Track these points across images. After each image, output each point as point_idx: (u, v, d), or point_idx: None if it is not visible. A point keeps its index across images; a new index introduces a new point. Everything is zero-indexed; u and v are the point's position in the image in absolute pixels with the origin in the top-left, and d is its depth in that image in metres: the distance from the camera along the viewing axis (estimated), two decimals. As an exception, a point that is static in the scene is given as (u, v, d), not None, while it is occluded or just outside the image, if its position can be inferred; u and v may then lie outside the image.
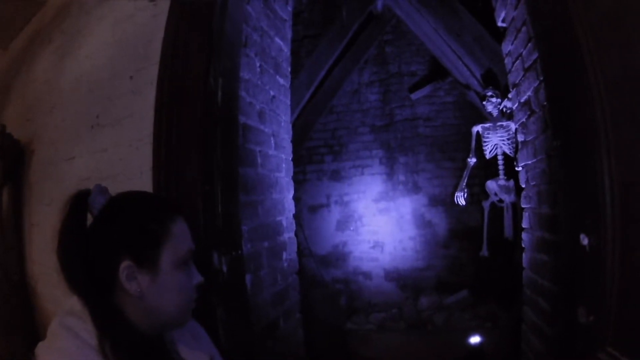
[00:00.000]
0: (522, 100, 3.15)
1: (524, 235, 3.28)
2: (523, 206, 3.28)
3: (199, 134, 2.43)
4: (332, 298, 7.48)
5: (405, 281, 7.62)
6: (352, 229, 7.84)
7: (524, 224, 3.25)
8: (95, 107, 3.00)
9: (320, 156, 7.91)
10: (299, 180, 3.46)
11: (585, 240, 2.13)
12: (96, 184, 1.40)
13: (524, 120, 3.15)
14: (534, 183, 3.02)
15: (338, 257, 7.87)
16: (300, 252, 3.73)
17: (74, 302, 1.30)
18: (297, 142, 3.80)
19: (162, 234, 1.37)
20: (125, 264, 1.30)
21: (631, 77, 1.80)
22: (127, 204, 1.40)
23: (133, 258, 1.31)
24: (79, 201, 1.34)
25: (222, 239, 2.47)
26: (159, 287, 1.35)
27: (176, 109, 2.48)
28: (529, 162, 3.09)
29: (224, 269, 2.42)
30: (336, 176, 7.87)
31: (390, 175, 7.76)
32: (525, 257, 3.25)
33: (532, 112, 2.93)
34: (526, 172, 3.19)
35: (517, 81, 3.22)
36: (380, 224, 7.76)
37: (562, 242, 2.46)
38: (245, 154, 2.88)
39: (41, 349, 1.23)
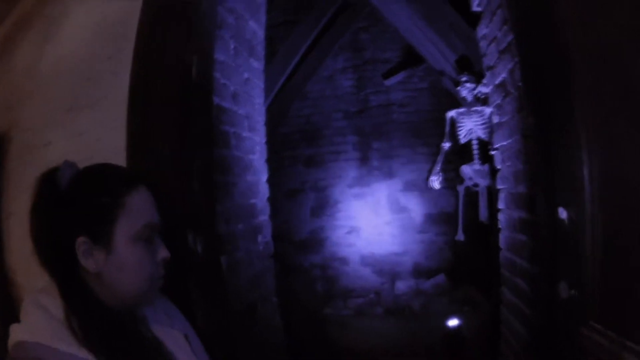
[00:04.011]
0: (497, 82, 3.17)
1: (500, 215, 3.30)
2: (499, 187, 3.30)
3: (174, 112, 2.42)
4: (309, 284, 7.51)
5: (382, 266, 7.64)
6: (328, 214, 7.85)
7: (500, 205, 3.27)
8: (73, 90, 2.96)
9: (294, 142, 7.91)
10: (273, 167, 3.45)
11: (563, 214, 2.15)
12: (65, 159, 1.38)
13: (499, 101, 3.18)
14: (509, 164, 3.04)
15: (314, 242, 7.88)
16: (276, 238, 3.73)
17: (46, 281, 1.31)
18: (271, 127, 3.79)
19: (116, 207, 1.33)
20: (80, 240, 1.28)
21: (608, 52, 1.82)
22: (83, 177, 1.36)
23: (88, 234, 1.29)
24: (47, 179, 1.33)
25: (197, 219, 2.46)
26: (115, 263, 1.32)
27: (151, 86, 2.47)
28: (505, 143, 3.11)
29: (199, 249, 2.40)
30: (311, 162, 7.89)
31: (365, 160, 7.78)
32: (502, 237, 3.28)
33: (507, 93, 2.95)
34: (501, 153, 3.21)
35: (491, 64, 3.24)
36: (356, 209, 7.77)
37: (540, 218, 2.48)
38: (220, 134, 2.88)
39: (13, 327, 1.23)
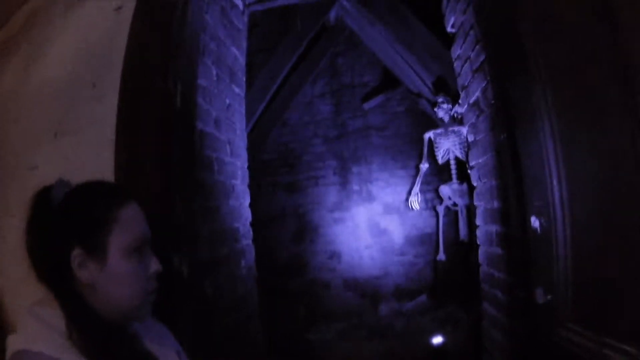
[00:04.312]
0: (471, 102, 3.25)
1: (478, 232, 3.36)
2: (476, 204, 3.37)
3: (158, 137, 2.47)
4: (291, 309, 7.50)
5: (364, 289, 7.65)
6: (308, 239, 7.86)
7: (478, 221, 3.34)
8: (57, 115, 2.98)
9: (274, 168, 7.93)
10: (254, 193, 3.48)
11: (536, 223, 2.22)
12: (59, 177, 1.40)
13: (473, 120, 3.25)
14: (485, 180, 3.11)
15: (296, 268, 7.86)
16: (257, 264, 3.77)
17: (42, 295, 1.33)
18: (251, 154, 3.84)
19: (109, 220, 1.35)
20: (75, 252, 1.30)
21: (570, 67, 1.91)
22: (77, 193, 1.38)
23: (82, 246, 1.31)
24: (41, 196, 1.35)
25: (182, 242, 2.50)
26: (108, 275, 1.33)
27: (137, 112, 2.51)
28: (480, 161, 3.18)
29: (185, 271, 2.45)
30: (291, 188, 7.91)
31: (344, 185, 7.81)
32: (480, 253, 3.34)
33: (481, 111, 3.03)
34: (478, 170, 3.28)
35: (465, 83, 3.32)
36: (336, 233, 7.80)
37: (513, 230, 2.55)
38: (202, 159, 2.92)
39: (11, 339, 1.24)
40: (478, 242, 3.37)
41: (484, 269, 3.30)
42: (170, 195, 2.46)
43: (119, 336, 1.35)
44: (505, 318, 2.86)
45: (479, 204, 3.29)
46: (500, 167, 2.75)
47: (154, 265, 1.42)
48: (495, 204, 2.88)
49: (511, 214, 2.59)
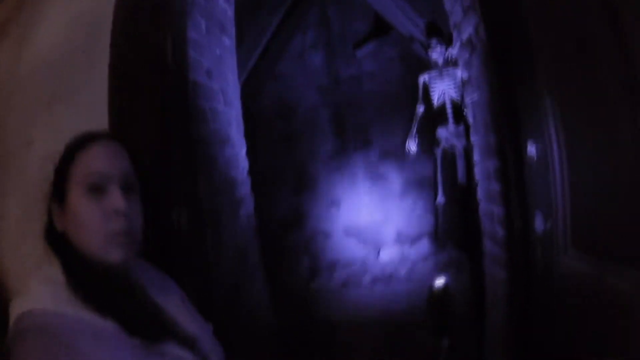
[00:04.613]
0: (464, 40, 3.22)
1: (476, 169, 3.36)
2: (472, 139, 3.36)
3: (152, 91, 2.47)
4: (293, 261, 7.54)
5: (365, 236, 7.67)
6: (306, 189, 7.83)
7: (475, 158, 3.33)
8: (51, 86, 2.98)
9: (269, 122, 7.84)
10: (249, 147, 3.48)
11: (532, 148, 2.21)
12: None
13: (466, 57, 3.23)
14: (480, 116, 3.10)
15: (296, 219, 7.86)
16: (257, 219, 3.78)
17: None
18: (245, 108, 3.83)
19: (69, 164, 1.34)
20: (51, 205, 1.34)
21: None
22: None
23: (55, 197, 1.34)
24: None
25: (180, 194, 2.51)
26: (70, 218, 1.31)
27: (129, 68, 2.52)
28: (474, 97, 3.16)
29: (183, 219, 2.45)
30: (287, 139, 7.84)
31: (340, 133, 7.76)
32: (479, 190, 3.34)
33: (474, 47, 3.01)
34: (472, 107, 3.27)
35: (458, 21, 3.28)
36: (334, 182, 7.77)
37: (508, 164, 2.56)
38: (196, 109, 2.93)
39: (14, 303, 1.21)
40: (477, 179, 3.37)
41: (483, 205, 3.30)
42: (165, 147, 2.46)
43: (117, 282, 1.32)
44: (506, 252, 2.87)
45: (475, 139, 3.28)
46: (493, 101, 2.74)
47: (114, 203, 1.31)
48: (491, 139, 2.87)
49: (505, 146, 2.59)
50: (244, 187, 3.58)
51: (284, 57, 7.73)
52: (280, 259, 7.48)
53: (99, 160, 1.35)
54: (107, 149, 1.39)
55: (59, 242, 1.33)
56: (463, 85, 3.57)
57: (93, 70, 2.71)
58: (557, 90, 2.01)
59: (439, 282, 5.22)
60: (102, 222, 1.30)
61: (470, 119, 3.38)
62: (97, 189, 1.31)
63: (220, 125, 3.27)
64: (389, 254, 7.09)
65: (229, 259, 3.11)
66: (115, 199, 1.31)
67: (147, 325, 1.28)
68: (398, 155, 7.31)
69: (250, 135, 3.80)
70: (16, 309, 1.17)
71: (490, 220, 3.17)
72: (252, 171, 3.76)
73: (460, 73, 5.23)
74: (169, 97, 2.57)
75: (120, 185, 1.34)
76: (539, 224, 2.26)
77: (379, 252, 7.30)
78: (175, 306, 1.47)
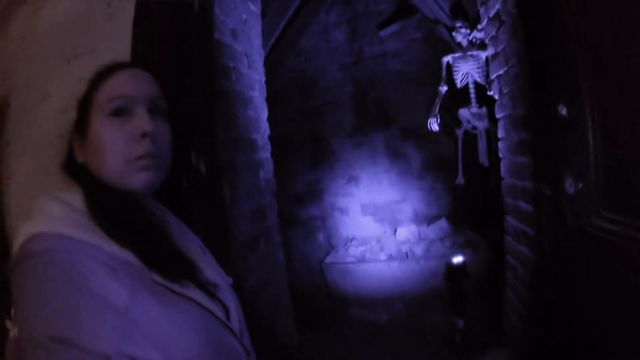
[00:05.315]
0: (491, 15, 3.23)
1: (500, 144, 3.36)
2: (498, 116, 3.36)
3: (176, 45, 2.47)
4: (309, 235, 7.56)
5: (382, 214, 7.69)
6: (326, 164, 7.83)
7: (500, 134, 3.33)
8: (70, 42, 2.97)
9: (290, 96, 7.85)
10: (270, 119, 3.48)
11: (563, 110, 2.20)
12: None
13: (494, 33, 3.23)
14: (507, 90, 3.10)
15: (314, 193, 7.89)
16: (276, 192, 3.79)
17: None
18: (267, 81, 3.84)
19: (93, 95, 1.30)
20: (73, 136, 1.32)
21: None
22: None
23: (77, 131, 1.31)
24: None
25: (200, 142, 2.53)
26: (91, 146, 1.27)
27: (153, 21, 2.50)
28: (501, 72, 3.17)
29: (202, 168, 2.46)
30: (307, 114, 7.85)
31: (361, 110, 7.73)
32: (503, 165, 3.34)
33: (502, 22, 3.01)
34: (499, 82, 3.27)
35: (486, -2, 3.30)
36: (354, 158, 7.75)
37: (538, 134, 2.55)
38: (220, 68, 2.95)
39: (24, 226, 1.11)
40: (500, 155, 3.36)
41: (507, 181, 3.31)
42: (189, 97, 2.47)
43: (140, 213, 1.28)
44: (530, 228, 2.87)
45: (501, 114, 3.28)
46: (524, 74, 2.73)
47: (140, 125, 1.26)
48: (519, 111, 2.87)
49: (536, 114, 2.59)
50: (264, 151, 3.62)
51: (306, 33, 7.71)
52: (296, 233, 7.51)
53: (124, 84, 1.30)
54: (132, 74, 1.34)
55: (79, 172, 1.29)
56: (488, 64, 3.55)
57: (113, 24, 2.71)
58: (590, 52, 1.99)
59: (457, 260, 5.25)
60: (124, 147, 1.24)
61: (495, 94, 3.38)
62: (121, 113, 1.27)
63: (243, 86, 3.30)
64: (405, 233, 7.09)
65: (246, 215, 3.14)
66: (141, 120, 1.26)
67: (168, 261, 1.22)
68: (419, 134, 7.28)
69: (270, 107, 3.82)
70: (26, 230, 1.09)
71: (514, 195, 3.17)
72: (271, 144, 3.78)
73: (484, 55, 5.22)
74: (193, 52, 2.59)
75: (147, 107, 1.30)
76: (569, 187, 2.25)
77: (395, 231, 7.30)
78: (197, 253, 1.42)
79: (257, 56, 3.62)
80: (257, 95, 3.53)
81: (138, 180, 1.26)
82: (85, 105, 1.31)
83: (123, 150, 1.24)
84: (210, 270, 1.40)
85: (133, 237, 1.18)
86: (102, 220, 1.16)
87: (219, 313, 1.26)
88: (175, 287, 1.17)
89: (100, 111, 1.27)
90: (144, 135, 1.25)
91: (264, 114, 3.66)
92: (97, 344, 0.96)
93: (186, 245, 1.38)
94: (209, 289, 1.29)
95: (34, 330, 0.97)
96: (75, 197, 1.21)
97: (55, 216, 1.14)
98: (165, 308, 1.11)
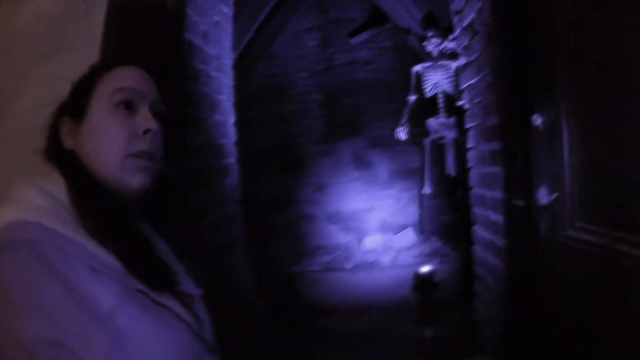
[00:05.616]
0: (465, 25, 3.23)
1: (470, 154, 3.36)
2: (468, 126, 3.36)
3: (147, 46, 2.44)
4: (276, 242, 7.52)
5: (349, 223, 7.69)
6: (294, 172, 7.80)
7: (470, 143, 3.33)
8: (46, 39, 2.95)
9: (259, 102, 7.79)
10: (241, 126, 3.43)
11: (538, 120, 2.20)
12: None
13: (467, 42, 3.24)
14: (478, 100, 3.09)
15: (281, 201, 7.85)
16: (242, 198, 3.75)
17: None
18: (236, 86, 3.80)
19: (96, 81, 1.25)
20: (62, 120, 1.23)
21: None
22: None
23: (69, 113, 1.24)
24: None
25: (168, 144, 2.49)
26: (87, 135, 1.21)
27: (125, 20, 2.47)
28: (473, 81, 3.17)
29: (171, 174, 2.43)
30: (276, 121, 7.81)
31: (330, 118, 7.74)
32: (472, 175, 3.34)
33: (476, 32, 3.01)
34: (470, 91, 3.27)
35: (459, 8, 3.31)
36: (322, 167, 7.75)
37: (511, 144, 2.55)
38: (190, 70, 2.91)
39: (2, 209, 1.06)
40: (470, 165, 3.36)
41: (475, 192, 3.30)
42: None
43: (128, 214, 1.25)
44: (500, 239, 2.86)
45: (472, 124, 3.28)
46: (497, 83, 2.73)
47: (146, 122, 1.23)
48: (491, 120, 2.86)
49: (509, 124, 2.59)
50: (230, 156, 3.57)
51: (278, 39, 7.71)
52: (263, 240, 7.47)
53: (132, 78, 1.27)
54: (139, 71, 1.31)
55: (65, 160, 1.21)
56: (458, 74, 3.57)
57: (90, 23, 2.68)
58: (566, 63, 2.00)
59: (425, 270, 5.23)
60: (124, 140, 1.20)
61: (466, 103, 3.38)
62: (127, 107, 1.23)
63: (212, 90, 3.27)
64: (372, 242, 7.09)
65: (210, 225, 3.09)
66: (147, 118, 1.23)
67: (151, 269, 1.17)
68: (386, 144, 7.31)
69: (239, 112, 3.78)
70: (3, 216, 1.03)
71: (482, 206, 3.17)
72: (240, 150, 3.74)
73: (454, 65, 5.25)
74: (163, 52, 2.56)
75: (149, 107, 1.26)
76: (542, 197, 2.25)
77: (362, 240, 7.30)
78: (173, 263, 1.35)
79: (227, 59, 3.58)
80: (225, 99, 3.50)
81: (136, 180, 1.22)
82: (84, 89, 1.26)
83: (123, 143, 1.20)
84: (185, 280, 1.34)
85: (118, 241, 1.12)
86: (86, 218, 1.10)
87: (195, 326, 1.22)
88: (155, 296, 1.11)
89: (104, 99, 1.22)
90: (146, 132, 1.23)
91: (231, 118, 3.62)
92: (88, 350, 0.93)
93: (164, 254, 1.33)
94: (185, 301, 1.24)
95: (17, 330, 0.91)
96: (59, 189, 1.14)
97: (35, 205, 1.07)
98: (148, 317, 1.06)
